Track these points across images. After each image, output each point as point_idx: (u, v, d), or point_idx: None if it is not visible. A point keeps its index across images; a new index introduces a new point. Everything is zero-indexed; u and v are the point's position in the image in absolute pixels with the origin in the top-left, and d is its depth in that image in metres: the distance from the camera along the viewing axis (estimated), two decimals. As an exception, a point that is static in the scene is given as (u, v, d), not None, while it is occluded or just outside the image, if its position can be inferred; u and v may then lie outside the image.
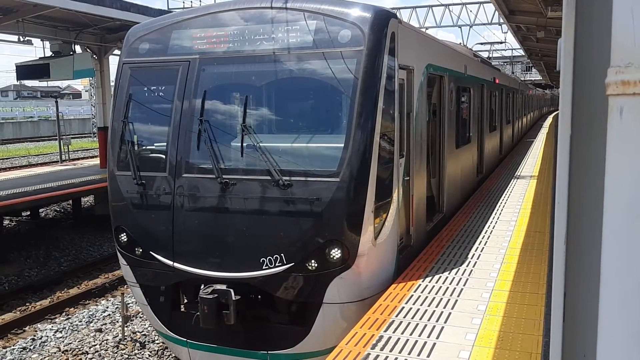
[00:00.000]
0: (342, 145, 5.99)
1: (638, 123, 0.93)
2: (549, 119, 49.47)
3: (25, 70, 18.55)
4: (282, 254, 5.99)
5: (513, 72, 51.23)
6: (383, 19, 6.26)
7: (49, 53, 18.42)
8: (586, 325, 1.26)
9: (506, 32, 30.75)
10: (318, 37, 6.19)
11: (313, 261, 5.95)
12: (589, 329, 1.17)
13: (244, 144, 6.28)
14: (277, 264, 6.02)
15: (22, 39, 16.92)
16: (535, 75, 61.02)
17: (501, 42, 36.77)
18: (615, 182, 0.96)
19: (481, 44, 40.14)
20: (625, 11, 0.92)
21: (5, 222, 16.21)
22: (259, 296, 6.51)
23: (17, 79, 20.09)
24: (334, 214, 5.91)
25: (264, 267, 6.06)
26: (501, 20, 27.10)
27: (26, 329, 10.21)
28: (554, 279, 1.45)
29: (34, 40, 18.20)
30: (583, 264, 1.33)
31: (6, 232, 15.57)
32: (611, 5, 0.96)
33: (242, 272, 6.16)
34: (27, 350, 9.10)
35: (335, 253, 5.90)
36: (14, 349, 9.13)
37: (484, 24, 32.65)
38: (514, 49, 45.97)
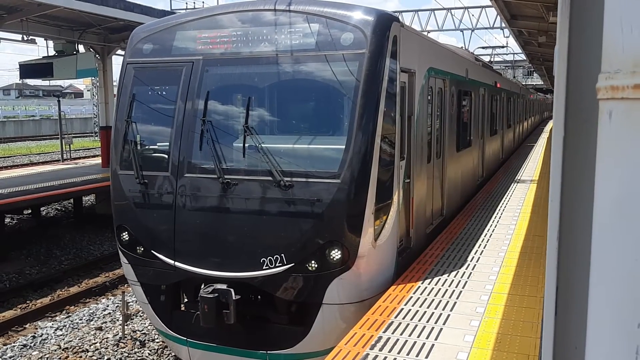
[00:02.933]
0: (343, 147, 6.03)
1: (626, 125, 0.98)
2: (550, 124, 49.52)
3: (28, 69, 18.63)
4: (282, 254, 6.04)
5: (514, 77, 51.32)
6: (385, 22, 6.31)
7: (52, 52, 18.50)
8: (577, 319, 1.31)
9: (508, 37, 30.84)
10: (320, 40, 6.24)
11: (313, 262, 5.99)
12: (579, 322, 1.21)
13: (246, 145, 6.33)
14: (277, 264, 6.06)
15: (25, 38, 16.99)
16: (536, 80, 61.14)
17: (503, 47, 36.88)
18: (604, 181, 1.02)
19: (483, 47, 40.22)
20: (615, 21, 0.98)
21: (7, 220, 16.27)
22: (259, 296, 6.56)
23: (20, 78, 20.18)
24: (334, 215, 5.96)
25: (264, 267, 6.10)
26: (503, 25, 27.19)
27: (27, 326, 10.25)
28: (547, 274, 1.50)
29: (37, 39, 18.27)
30: (574, 259, 1.38)
31: (8, 230, 15.61)
32: (602, 15, 1.01)
33: (243, 272, 6.20)
34: (28, 347, 9.15)
35: (335, 254, 5.95)
36: (14, 346, 9.17)
37: (485, 28, 32.75)
38: (516, 54, 46.12)
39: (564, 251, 1.43)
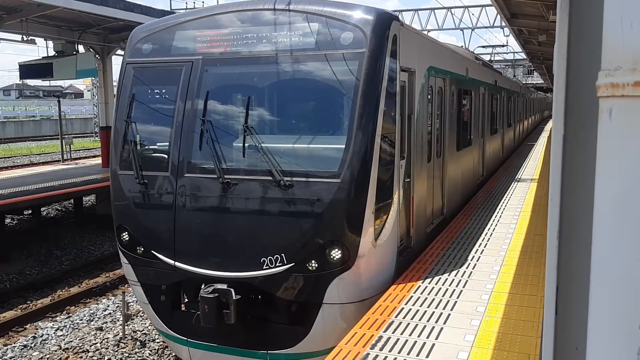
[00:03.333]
0: (343, 146, 6.02)
1: (626, 123, 0.97)
2: (550, 123, 49.48)
3: (28, 70, 18.63)
4: (282, 254, 6.03)
5: (515, 75, 51.31)
6: (385, 22, 6.30)
7: (52, 52, 18.50)
8: (577, 319, 1.30)
9: (508, 36, 30.83)
10: (320, 39, 6.23)
11: (313, 261, 5.98)
12: (580, 323, 1.21)
13: (246, 145, 6.33)
14: (277, 264, 6.06)
15: (25, 39, 16.99)
16: (537, 79, 61.12)
17: (503, 45, 36.88)
18: (604, 180, 1.01)
19: (483, 46, 40.23)
20: (615, 17, 0.97)
21: (7, 220, 16.27)
22: (260, 296, 6.55)
23: (20, 78, 20.18)
24: (334, 214, 5.95)
25: (264, 267, 6.10)
26: (503, 24, 27.18)
27: (27, 327, 10.25)
28: (547, 274, 1.49)
29: (37, 39, 18.27)
30: (575, 258, 1.38)
31: (8, 231, 15.61)
32: (602, 12, 1.00)
33: (243, 272, 6.20)
34: (28, 348, 9.14)
35: (336, 254, 5.94)
36: (15, 346, 9.17)
37: (485, 27, 32.78)
38: (516, 52, 46.13)
39: (564, 250, 1.42)
